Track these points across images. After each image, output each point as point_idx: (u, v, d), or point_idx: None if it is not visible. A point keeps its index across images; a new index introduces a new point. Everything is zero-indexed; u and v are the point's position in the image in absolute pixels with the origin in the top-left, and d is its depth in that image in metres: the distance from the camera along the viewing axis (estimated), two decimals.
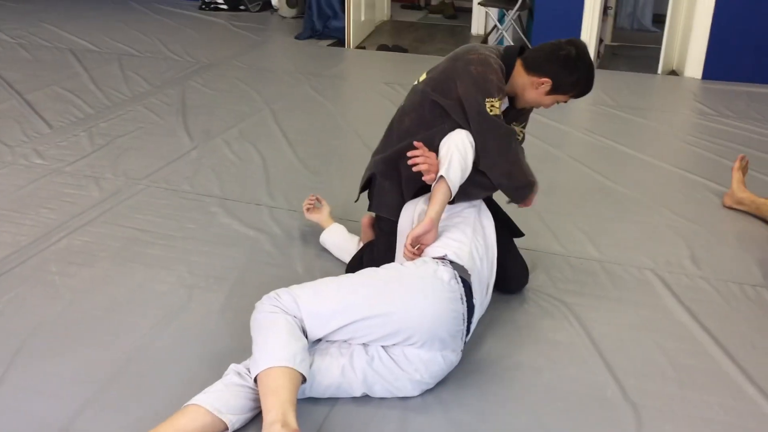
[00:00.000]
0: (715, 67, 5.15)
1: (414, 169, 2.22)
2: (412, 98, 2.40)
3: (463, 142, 2.20)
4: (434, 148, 2.26)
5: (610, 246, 2.83)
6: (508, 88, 2.32)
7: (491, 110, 2.21)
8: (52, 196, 3.10)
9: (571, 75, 2.28)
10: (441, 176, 2.14)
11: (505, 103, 2.35)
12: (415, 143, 2.22)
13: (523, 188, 2.35)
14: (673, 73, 5.44)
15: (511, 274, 2.44)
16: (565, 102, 2.37)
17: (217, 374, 1.91)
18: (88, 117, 4.09)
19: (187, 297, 2.41)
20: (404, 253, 2.13)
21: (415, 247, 2.13)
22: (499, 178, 2.29)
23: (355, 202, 2.61)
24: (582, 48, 2.30)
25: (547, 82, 2.28)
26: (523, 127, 2.45)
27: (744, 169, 3.22)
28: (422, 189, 2.31)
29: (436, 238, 2.14)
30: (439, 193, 2.14)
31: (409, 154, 2.22)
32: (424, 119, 2.33)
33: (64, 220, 2.90)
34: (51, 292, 2.41)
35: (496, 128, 2.23)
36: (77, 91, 4.53)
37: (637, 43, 6.34)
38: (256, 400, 1.81)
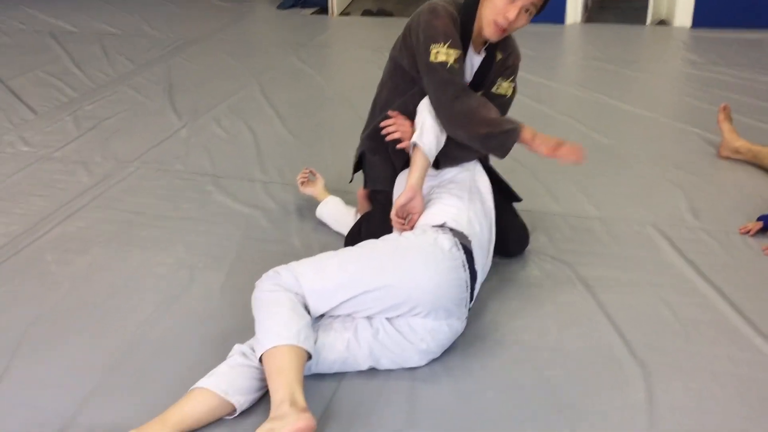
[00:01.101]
0: (705, 15, 5.09)
1: (387, 138, 2.20)
2: (387, 67, 2.35)
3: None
4: (410, 114, 2.23)
5: (609, 203, 2.81)
6: (479, 35, 2.19)
7: (436, 57, 2.08)
8: (42, 184, 3.06)
9: None
10: (414, 143, 2.12)
11: (479, 56, 2.23)
12: (390, 113, 2.21)
13: (493, 137, 2.13)
14: (662, 23, 5.38)
15: (511, 237, 2.41)
16: None
17: (221, 355, 1.89)
18: (73, 101, 4.02)
19: (187, 278, 2.38)
20: (393, 224, 2.11)
21: (406, 218, 2.11)
22: (454, 130, 2.14)
23: (350, 182, 2.58)
24: None
25: None
26: (512, 81, 2.32)
27: (729, 117, 3.18)
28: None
29: (424, 204, 2.13)
30: (416, 160, 2.12)
31: (381, 124, 2.19)
32: (398, 86, 2.28)
33: (55, 207, 2.86)
34: (48, 281, 2.39)
35: (435, 73, 2.09)
36: (60, 74, 4.45)
37: None
38: (263, 380, 1.80)
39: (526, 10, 2.11)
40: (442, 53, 2.10)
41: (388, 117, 2.27)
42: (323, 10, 6.01)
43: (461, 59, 2.13)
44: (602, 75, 4.29)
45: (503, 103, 2.31)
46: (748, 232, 2.54)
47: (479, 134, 2.13)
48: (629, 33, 5.17)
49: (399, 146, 2.22)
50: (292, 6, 6.12)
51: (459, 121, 2.12)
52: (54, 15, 5.89)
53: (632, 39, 5.03)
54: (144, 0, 6.41)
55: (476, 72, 2.26)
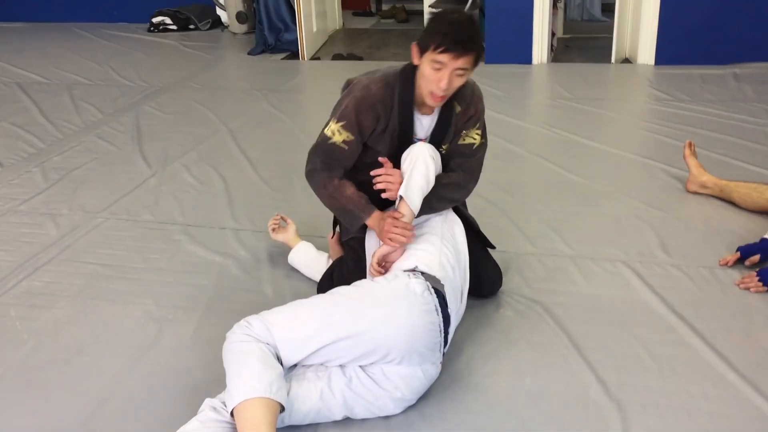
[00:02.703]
0: (667, 52, 5.21)
1: (375, 187, 2.20)
2: None
3: (424, 158, 2.15)
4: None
5: (581, 240, 2.82)
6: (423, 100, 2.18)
7: (327, 129, 2.21)
8: (8, 238, 3.00)
9: (426, 27, 2.10)
10: (401, 196, 2.12)
11: (432, 115, 2.23)
12: (381, 159, 2.20)
13: (343, 214, 2.26)
14: (626, 61, 5.50)
15: (485, 279, 2.41)
16: (444, 60, 2.01)
17: (192, 410, 1.84)
18: (40, 152, 3.98)
19: (156, 331, 2.34)
20: (370, 271, 2.10)
21: (381, 265, 2.11)
22: (322, 199, 2.28)
23: (332, 237, 2.58)
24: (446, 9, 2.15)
25: (414, 48, 2.12)
26: (478, 128, 2.27)
27: (694, 153, 3.23)
28: (383, 202, 2.26)
29: (402, 254, 2.12)
30: (402, 212, 2.13)
31: (372, 173, 2.20)
32: None
33: (21, 261, 2.80)
34: (12, 338, 2.33)
35: (317, 140, 2.24)
36: (27, 125, 4.41)
37: (588, 34, 6.40)
38: None
39: (458, 75, 2.07)
40: (333, 129, 2.20)
41: (358, 169, 2.27)
42: (294, 55, 6.05)
43: (353, 143, 2.19)
44: (570, 113, 4.36)
45: (472, 151, 2.29)
46: (727, 263, 2.56)
47: (327, 205, 2.28)
48: (595, 71, 5.26)
49: (384, 195, 2.22)
50: (262, 52, 6.16)
51: (312, 187, 2.28)
52: (22, 66, 5.86)
53: (598, 77, 5.13)
54: (113, 48, 6.42)
55: (435, 128, 2.24)
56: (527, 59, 5.48)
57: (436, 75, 2.05)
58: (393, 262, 2.11)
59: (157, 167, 3.71)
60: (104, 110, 4.68)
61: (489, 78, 5.11)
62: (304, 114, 4.70)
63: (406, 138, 2.23)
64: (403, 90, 2.18)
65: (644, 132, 3.99)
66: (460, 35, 2.01)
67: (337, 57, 6.01)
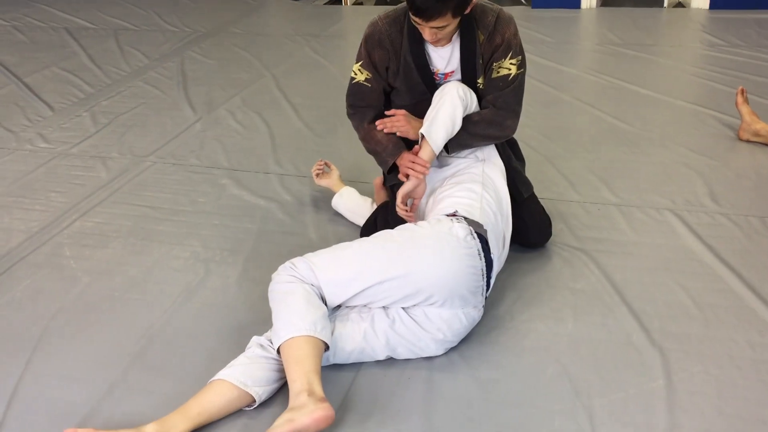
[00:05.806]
0: None
1: (385, 131, 2.23)
2: None
3: (451, 97, 2.13)
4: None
5: (627, 189, 2.78)
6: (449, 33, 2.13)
7: (352, 72, 2.30)
8: (61, 180, 3.09)
9: None
10: (422, 135, 2.13)
11: (450, 45, 2.17)
12: (394, 111, 2.24)
13: (375, 156, 2.31)
14: (679, 5, 5.31)
15: (533, 229, 2.37)
16: (418, 21, 2.01)
17: (239, 347, 1.90)
18: (89, 96, 4.05)
19: (204, 271, 2.40)
20: (399, 213, 2.14)
21: (408, 204, 2.15)
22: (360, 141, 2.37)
23: (379, 181, 2.58)
24: None
25: None
26: (512, 57, 2.16)
27: (746, 100, 3.13)
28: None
29: (425, 189, 2.18)
30: (423, 151, 2.14)
31: (377, 122, 2.25)
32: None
33: (74, 202, 2.88)
34: (67, 276, 2.41)
35: (347, 88, 2.33)
36: (76, 70, 4.48)
37: None
38: (281, 371, 1.81)
39: (439, 29, 2.04)
40: (355, 69, 2.30)
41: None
42: (336, 0, 5.99)
43: (374, 80, 2.26)
44: (619, 59, 4.25)
45: (507, 83, 2.18)
46: None
47: (364, 147, 2.35)
48: (646, 16, 5.10)
49: (399, 133, 2.23)
50: None
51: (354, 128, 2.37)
52: (69, 11, 5.92)
53: (649, 22, 4.97)
54: None
55: (461, 60, 2.19)
56: (576, 3, 5.33)
57: (420, 28, 2.08)
58: (417, 198, 2.16)
59: (202, 112, 3.75)
60: (150, 55, 4.72)
61: (536, 23, 5.00)
62: (347, 60, 4.66)
63: (425, 73, 2.21)
64: (411, 21, 2.13)
65: (696, 78, 3.88)
66: (424, 3, 1.95)
67: (381, 2, 5.94)
